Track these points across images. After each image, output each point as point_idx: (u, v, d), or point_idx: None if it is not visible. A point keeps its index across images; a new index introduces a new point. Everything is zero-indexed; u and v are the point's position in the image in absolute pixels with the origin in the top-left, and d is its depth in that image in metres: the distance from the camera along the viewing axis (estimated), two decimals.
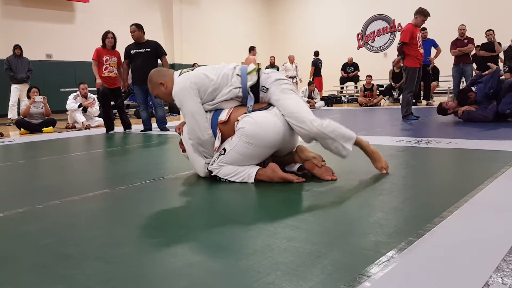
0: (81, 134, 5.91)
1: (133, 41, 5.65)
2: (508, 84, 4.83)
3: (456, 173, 2.45)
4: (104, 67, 5.67)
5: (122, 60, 5.77)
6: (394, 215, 1.58)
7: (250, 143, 2.15)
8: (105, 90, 5.71)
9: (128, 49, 5.62)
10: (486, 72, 5.34)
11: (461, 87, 8.56)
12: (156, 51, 5.60)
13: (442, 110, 5.41)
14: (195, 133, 2.28)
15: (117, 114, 6.30)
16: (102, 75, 5.69)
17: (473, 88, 5.20)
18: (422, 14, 5.55)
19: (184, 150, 2.51)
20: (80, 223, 1.69)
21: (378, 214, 1.59)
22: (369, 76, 10.58)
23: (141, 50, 5.54)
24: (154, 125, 5.89)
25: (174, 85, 2.32)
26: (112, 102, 5.96)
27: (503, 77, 5.54)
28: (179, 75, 2.35)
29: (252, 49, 10.85)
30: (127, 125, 6.01)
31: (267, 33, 18.47)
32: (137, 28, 5.57)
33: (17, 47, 8.69)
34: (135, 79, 5.64)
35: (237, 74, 2.31)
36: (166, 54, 5.71)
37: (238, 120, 2.19)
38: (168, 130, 5.62)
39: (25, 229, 1.62)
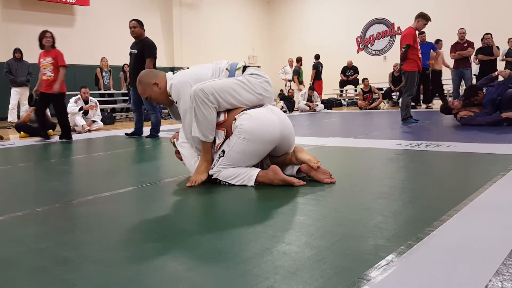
0: (80, 137, 5.91)
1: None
2: (509, 94, 4.81)
3: (456, 177, 2.45)
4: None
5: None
6: (394, 218, 1.58)
7: (247, 139, 2.15)
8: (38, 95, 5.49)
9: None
10: (495, 73, 5.30)
11: (460, 91, 8.59)
12: (143, 52, 5.20)
13: (446, 108, 5.40)
14: (190, 129, 2.30)
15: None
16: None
17: (483, 89, 5.17)
18: (424, 18, 5.54)
19: (181, 159, 2.51)
20: (79, 226, 1.69)
21: (377, 218, 1.59)
22: (366, 79, 10.65)
23: (132, 50, 5.36)
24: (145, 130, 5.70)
25: (170, 80, 2.35)
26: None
27: None
28: (173, 74, 2.40)
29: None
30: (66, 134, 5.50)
31: (266, 36, 18.51)
32: (138, 24, 5.29)
33: (17, 50, 8.70)
34: (131, 80, 5.58)
35: (226, 69, 2.36)
36: (153, 57, 5.24)
37: (235, 119, 2.20)
38: (157, 136, 5.36)
39: (24, 232, 1.62)
